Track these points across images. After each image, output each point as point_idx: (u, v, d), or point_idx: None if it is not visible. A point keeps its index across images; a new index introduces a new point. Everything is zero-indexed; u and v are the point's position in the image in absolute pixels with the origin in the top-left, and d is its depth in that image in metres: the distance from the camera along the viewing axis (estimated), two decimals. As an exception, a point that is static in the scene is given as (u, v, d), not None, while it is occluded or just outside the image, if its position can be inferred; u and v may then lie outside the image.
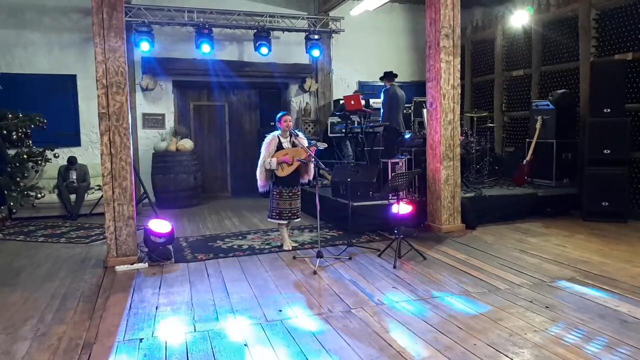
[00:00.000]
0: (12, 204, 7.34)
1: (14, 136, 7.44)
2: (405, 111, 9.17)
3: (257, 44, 9.02)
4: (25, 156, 7.68)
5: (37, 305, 4.04)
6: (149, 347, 3.24)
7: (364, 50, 10.32)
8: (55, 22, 8.51)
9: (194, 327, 3.56)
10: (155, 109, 9.27)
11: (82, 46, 8.55)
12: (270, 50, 9.07)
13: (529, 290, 4.14)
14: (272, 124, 5.74)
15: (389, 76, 7.90)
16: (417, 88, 10.12)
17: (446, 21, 6.22)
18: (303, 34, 9.53)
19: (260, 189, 5.60)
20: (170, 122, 9.38)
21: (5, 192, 7.21)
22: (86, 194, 8.03)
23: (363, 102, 8.06)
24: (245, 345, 3.24)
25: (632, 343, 3.11)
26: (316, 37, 9.39)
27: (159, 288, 4.43)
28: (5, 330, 3.54)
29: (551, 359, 2.94)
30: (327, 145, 5.78)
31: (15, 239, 6.54)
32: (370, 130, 8.23)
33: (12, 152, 7.58)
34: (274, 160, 5.35)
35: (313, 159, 5.27)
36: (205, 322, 3.64)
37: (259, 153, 5.52)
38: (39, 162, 7.94)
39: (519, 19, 8.66)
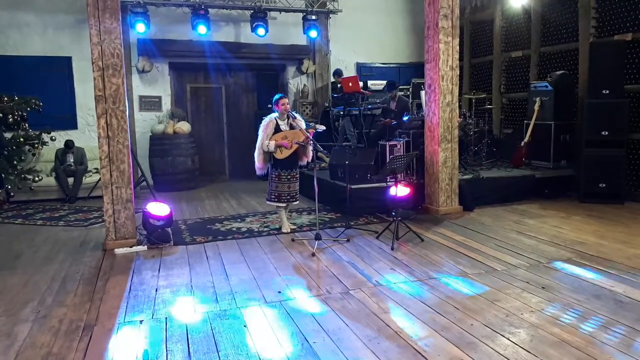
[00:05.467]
0: (9, 187, 7.34)
1: (10, 119, 7.39)
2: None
3: (253, 25, 8.92)
4: (21, 139, 7.64)
5: (37, 288, 4.06)
6: (149, 329, 3.27)
7: (361, 31, 10.22)
8: (49, 3, 8.38)
9: (194, 308, 3.59)
10: (152, 91, 9.21)
11: (77, 27, 8.44)
12: (267, 31, 8.97)
13: (525, 271, 4.18)
14: (270, 106, 5.72)
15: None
16: (416, 69, 10.06)
17: (445, 1, 6.14)
18: (300, 15, 9.40)
19: (258, 172, 5.60)
20: (167, 104, 9.32)
21: (3, 175, 7.19)
22: (84, 177, 8.02)
23: (361, 83, 8.02)
24: (244, 326, 3.27)
25: (627, 323, 3.15)
26: (313, 17, 9.28)
27: (158, 270, 4.45)
28: (6, 312, 3.57)
29: (547, 338, 2.99)
30: (325, 128, 5.77)
31: (14, 222, 6.54)
32: (369, 112, 8.19)
33: (8, 135, 7.55)
34: (272, 142, 5.34)
35: (311, 142, 5.26)
36: (204, 303, 3.68)
37: (257, 135, 5.50)
38: (36, 145, 7.90)
39: (519, -1, 8.57)
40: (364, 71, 10.25)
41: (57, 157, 8.03)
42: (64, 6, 8.43)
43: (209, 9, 8.71)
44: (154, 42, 8.81)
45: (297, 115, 5.56)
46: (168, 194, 7.93)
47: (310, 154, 5.51)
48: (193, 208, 7.21)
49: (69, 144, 8.08)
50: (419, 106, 8.16)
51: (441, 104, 6.25)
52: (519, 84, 8.98)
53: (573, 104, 7.64)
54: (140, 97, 9.12)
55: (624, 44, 6.72)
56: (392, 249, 4.89)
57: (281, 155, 5.39)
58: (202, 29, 8.57)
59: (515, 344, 2.93)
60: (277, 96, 5.53)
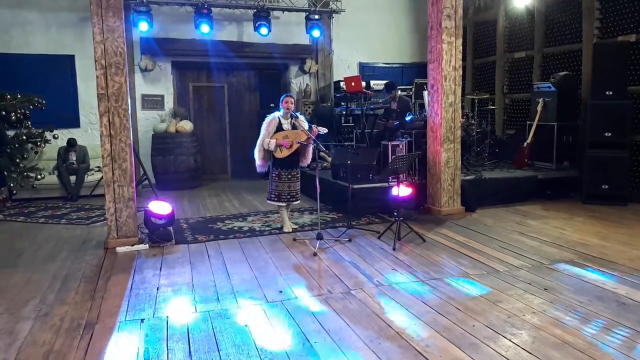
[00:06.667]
0: (12, 185, 7.35)
1: (13, 117, 7.41)
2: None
3: (256, 24, 8.91)
4: (24, 137, 7.67)
5: (38, 285, 4.06)
6: (151, 328, 3.27)
7: (364, 31, 10.20)
8: (52, 1, 8.38)
9: (195, 307, 3.59)
10: (154, 90, 9.21)
11: (80, 26, 8.45)
12: (269, 30, 8.96)
13: (527, 273, 4.17)
14: (272, 105, 5.71)
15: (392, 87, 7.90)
16: (419, 69, 10.05)
17: (448, 1, 6.13)
18: (303, 14, 9.39)
19: (258, 169, 5.60)
20: (169, 103, 9.32)
21: (5, 173, 7.21)
22: (86, 176, 8.03)
23: (363, 83, 8.01)
24: (246, 325, 3.26)
25: (630, 325, 3.14)
26: (316, 17, 9.27)
27: (160, 269, 4.45)
28: (7, 310, 3.57)
29: (549, 340, 2.97)
30: (327, 130, 5.75)
31: (16, 220, 6.55)
32: (371, 112, 8.19)
33: (11, 133, 7.57)
34: (273, 141, 5.34)
35: (313, 142, 5.25)
36: (206, 302, 3.67)
37: (259, 135, 5.50)
38: (39, 143, 7.91)
39: (522, -1, 8.56)
40: (367, 71, 10.24)
41: (59, 155, 8.05)
42: (67, 4, 8.44)
43: (212, 8, 8.71)
44: (157, 40, 8.82)
45: (300, 115, 5.56)
46: (170, 193, 7.93)
47: (311, 156, 5.51)
48: (195, 207, 7.21)
49: (71, 142, 8.10)
50: (422, 106, 8.15)
51: (444, 105, 6.24)
52: (521, 84, 8.96)
53: (576, 105, 7.63)
54: (143, 96, 9.12)
55: (628, 45, 6.70)
56: (394, 249, 4.88)
57: (281, 154, 5.39)
58: (205, 28, 8.57)
59: (517, 345, 2.92)
60: (283, 95, 5.54)
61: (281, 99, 5.48)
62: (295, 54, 9.82)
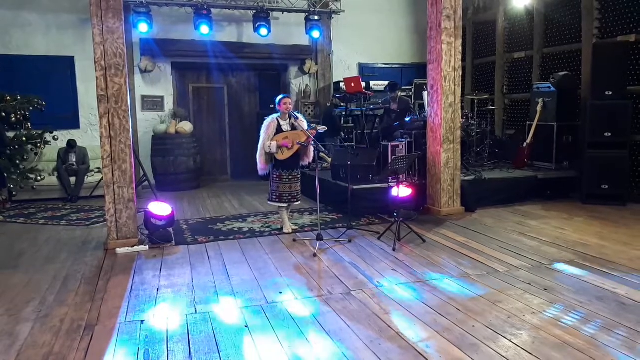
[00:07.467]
0: (12, 186, 7.34)
1: (13, 118, 7.41)
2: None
3: (256, 25, 8.92)
4: (24, 138, 7.66)
5: (38, 287, 4.06)
6: (151, 329, 3.27)
7: (364, 32, 10.21)
8: (52, 3, 8.39)
9: (195, 308, 3.59)
10: (154, 91, 9.21)
11: (80, 27, 8.46)
12: (269, 31, 8.97)
13: (527, 273, 4.17)
14: (272, 106, 5.70)
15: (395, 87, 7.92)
16: (418, 70, 10.06)
17: (448, 2, 6.14)
18: (303, 15, 9.40)
19: (260, 172, 5.60)
20: (169, 104, 9.32)
21: (5, 174, 7.20)
22: (86, 177, 8.03)
23: (363, 84, 8.00)
24: (245, 326, 3.27)
25: (630, 325, 3.14)
26: (316, 17, 9.27)
27: (160, 270, 4.45)
28: (7, 312, 3.57)
29: (549, 340, 2.98)
30: (326, 129, 5.76)
31: (16, 221, 6.55)
32: (371, 112, 8.19)
33: (11, 134, 7.56)
34: (274, 143, 5.33)
35: (313, 142, 5.25)
36: (206, 303, 3.67)
37: (259, 136, 5.49)
38: (38, 144, 7.91)
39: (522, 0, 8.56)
40: (367, 71, 10.24)
41: (59, 156, 8.05)
42: (67, 6, 8.44)
43: (212, 9, 8.71)
44: (157, 41, 8.82)
45: (299, 115, 5.55)
46: (170, 194, 7.93)
47: (312, 154, 5.51)
48: (195, 208, 7.22)
49: (71, 144, 8.10)
50: (422, 107, 8.15)
51: (443, 105, 6.24)
52: (521, 84, 8.96)
53: (576, 105, 7.63)
54: (143, 97, 9.13)
55: (627, 45, 6.71)
56: (394, 249, 4.88)
57: (282, 156, 5.38)
58: (204, 29, 8.58)
59: (517, 345, 2.92)
60: (280, 96, 5.52)
61: (278, 100, 5.45)
62: (295, 54, 9.83)
